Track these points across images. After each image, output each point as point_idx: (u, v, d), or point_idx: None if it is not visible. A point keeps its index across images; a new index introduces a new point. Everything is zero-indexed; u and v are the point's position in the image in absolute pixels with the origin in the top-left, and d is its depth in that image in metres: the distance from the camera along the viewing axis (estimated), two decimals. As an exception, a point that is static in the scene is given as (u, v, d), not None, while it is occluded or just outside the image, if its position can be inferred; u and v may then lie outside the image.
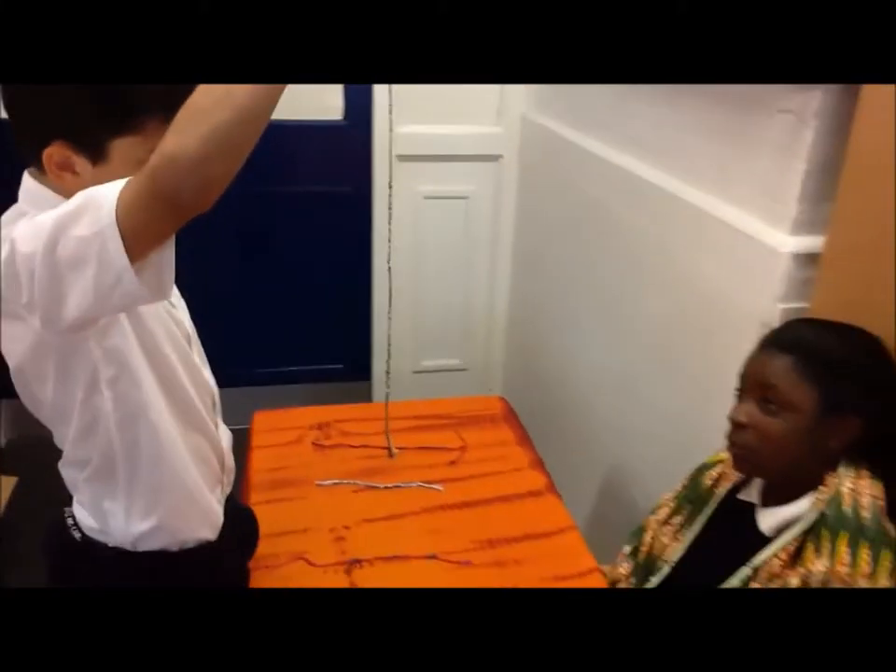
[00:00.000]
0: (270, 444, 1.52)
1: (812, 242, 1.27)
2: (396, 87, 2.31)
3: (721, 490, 1.19)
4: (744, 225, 1.38)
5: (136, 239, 0.73)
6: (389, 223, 1.43)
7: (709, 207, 1.47)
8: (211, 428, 1.06)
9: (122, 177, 0.77)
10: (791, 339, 1.09)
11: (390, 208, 1.39)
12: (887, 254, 1.10)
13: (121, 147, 0.85)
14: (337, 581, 1.20)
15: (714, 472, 1.23)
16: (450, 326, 2.79)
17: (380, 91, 2.37)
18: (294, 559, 1.24)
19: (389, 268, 1.60)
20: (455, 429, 1.61)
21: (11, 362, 0.89)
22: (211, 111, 0.69)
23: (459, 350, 2.82)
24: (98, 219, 0.73)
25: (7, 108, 0.88)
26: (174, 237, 0.77)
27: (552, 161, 2.33)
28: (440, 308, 2.76)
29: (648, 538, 1.27)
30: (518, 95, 2.51)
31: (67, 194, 0.84)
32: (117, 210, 0.72)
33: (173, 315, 1.00)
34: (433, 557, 1.26)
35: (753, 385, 1.07)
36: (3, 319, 0.84)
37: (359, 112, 2.46)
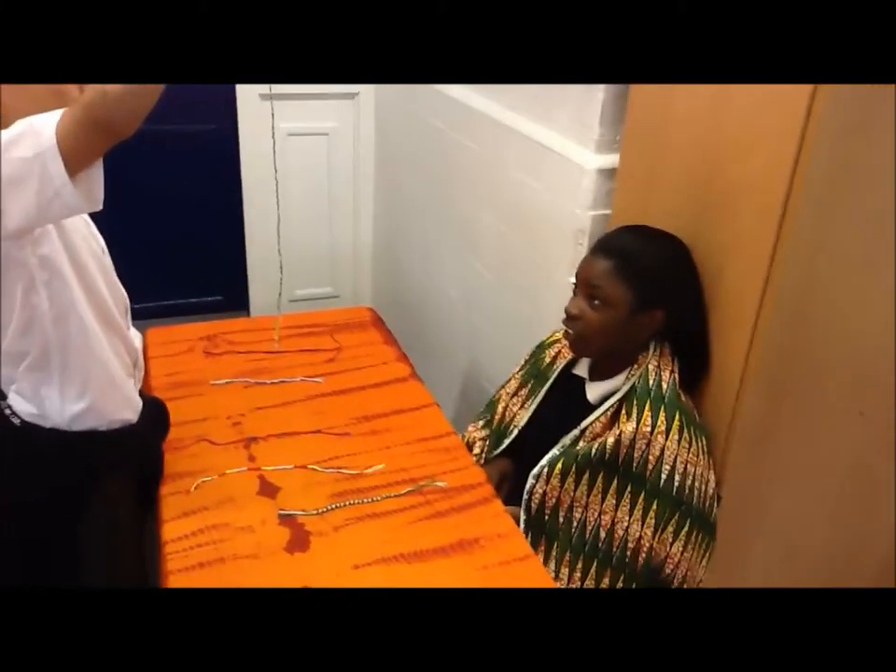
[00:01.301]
0: (164, 354, 1.70)
1: (612, 159, 1.56)
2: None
3: (558, 366, 1.46)
4: (559, 147, 1.66)
5: (73, 159, 0.91)
6: (275, 161, 1.59)
7: (532, 132, 1.74)
8: (124, 330, 1.25)
9: (31, 91, 0.95)
10: (613, 247, 1.31)
11: (275, 146, 1.55)
12: (661, 167, 1.40)
13: None
14: (238, 455, 1.43)
15: (552, 351, 1.49)
16: (320, 257, 2.97)
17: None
18: (198, 440, 1.45)
19: (277, 202, 1.76)
20: (330, 334, 1.84)
21: None
22: None
23: (330, 279, 3.01)
24: (39, 143, 0.90)
25: None
26: (101, 158, 0.95)
27: (403, 98, 2.53)
28: (309, 240, 2.93)
29: (500, 407, 1.54)
30: (370, 36, 2.68)
31: None
32: (56, 135, 0.90)
33: (90, 230, 1.18)
34: (318, 432, 1.50)
35: (583, 283, 1.31)
36: None
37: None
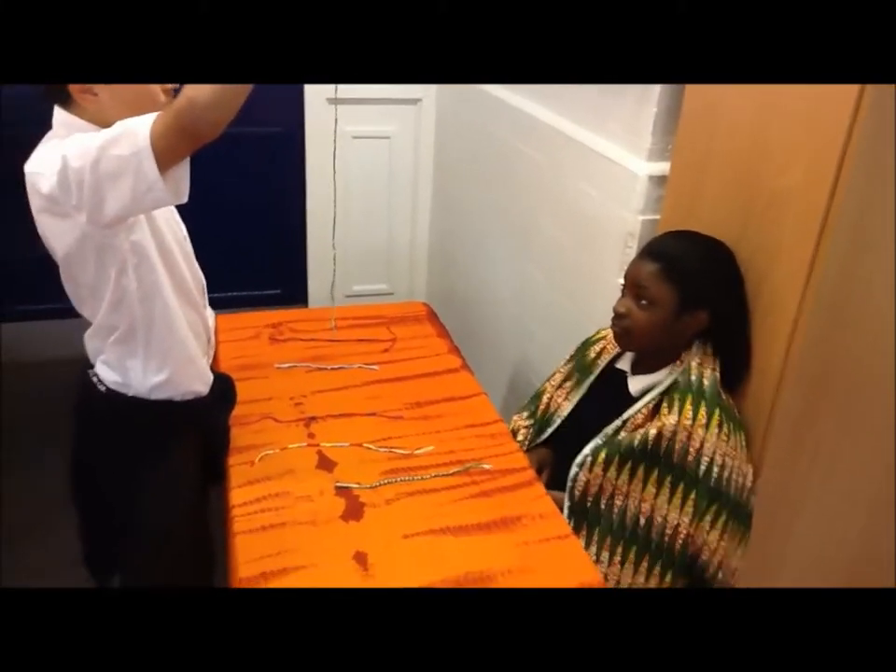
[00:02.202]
0: (232, 339, 1.82)
1: (662, 167, 1.63)
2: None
3: (602, 361, 1.53)
4: (613, 155, 1.73)
5: (163, 158, 1.03)
6: (334, 161, 1.71)
7: (588, 141, 1.82)
8: (202, 308, 1.37)
9: (130, 89, 1.09)
10: (660, 250, 1.38)
11: (335, 149, 1.66)
12: (707, 175, 1.47)
13: None
14: (298, 433, 1.53)
15: (597, 347, 1.57)
16: (377, 255, 3.08)
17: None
18: (263, 418, 1.56)
19: (335, 201, 1.88)
20: (386, 326, 1.94)
21: (60, 251, 1.17)
22: None
23: (386, 276, 3.12)
24: (135, 143, 1.02)
25: None
26: (189, 157, 1.07)
27: (464, 104, 2.63)
28: (368, 238, 3.04)
29: (545, 398, 1.62)
30: (434, 45, 2.79)
31: (89, 116, 1.14)
32: (150, 137, 1.01)
33: (175, 218, 1.30)
34: (373, 414, 1.60)
35: (631, 285, 1.38)
36: (55, 217, 1.12)
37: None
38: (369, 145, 2.87)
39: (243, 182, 2.84)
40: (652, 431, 1.32)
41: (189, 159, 1.08)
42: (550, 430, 1.56)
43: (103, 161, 1.03)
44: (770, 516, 1.43)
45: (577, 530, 1.38)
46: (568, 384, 1.58)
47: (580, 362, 1.59)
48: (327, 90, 2.71)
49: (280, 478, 1.41)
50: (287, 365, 1.75)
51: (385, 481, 1.41)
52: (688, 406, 1.32)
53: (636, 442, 1.33)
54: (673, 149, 1.58)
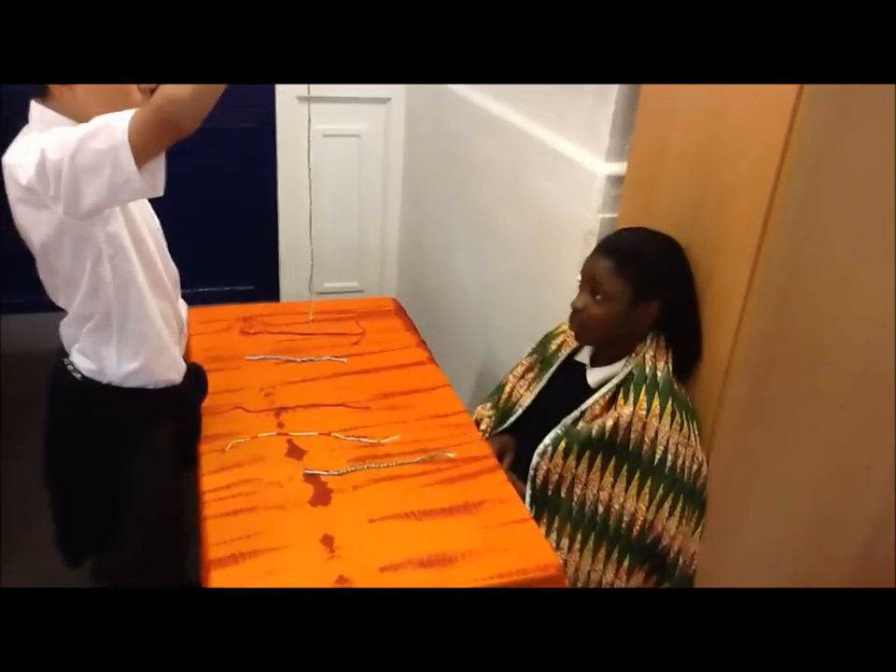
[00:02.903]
0: (204, 332, 1.86)
1: (620, 167, 1.70)
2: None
3: (563, 354, 1.58)
4: (573, 154, 1.79)
5: (141, 152, 1.07)
6: (309, 161, 1.75)
7: (548, 140, 1.88)
8: (174, 299, 1.41)
9: (101, 88, 1.13)
10: (613, 247, 1.44)
11: (309, 146, 1.70)
12: (662, 174, 1.54)
13: None
14: (268, 422, 1.58)
15: (558, 340, 1.62)
16: (348, 252, 3.12)
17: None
18: (234, 408, 1.60)
19: (311, 199, 1.93)
20: (355, 320, 1.99)
21: (37, 241, 1.20)
22: None
23: (357, 273, 3.16)
24: (113, 137, 1.06)
25: None
26: (164, 151, 1.11)
27: (432, 104, 2.68)
28: (338, 236, 3.08)
29: (507, 388, 1.67)
30: (404, 45, 2.84)
31: (66, 110, 1.17)
32: (128, 131, 1.05)
33: (149, 211, 1.34)
34: (341, 405, 1.65)
35: (587, 280, 1.44)
36: (33, 208, 1.16)
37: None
38: (339, 143, 2.91)
39: (215, 178, 2.86)
40: (609, 422, 1.38)
41: (164, 153, 1.12)
42: (511, 420, 1.61)
43: (81, 153, 1.07)
44: (721, 500, 1.50)
45: (538, 518, 1.44)
46: (530, 375, 1.64)
47: (541, 355, 1.65)
48: (297, 87, 2.75)
49: (250, 465, 1.45)
50: (257, 357, 1.79)
51: (353, 468, 1.46)
52: (643, 397, 1.38)
53: (593, 432, 1.39)
54: (629, 149, 1.65)
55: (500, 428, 1.62)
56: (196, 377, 1.49)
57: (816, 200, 1.28)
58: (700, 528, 1.44)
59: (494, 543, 1.32)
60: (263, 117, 2.80)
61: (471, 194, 2.38)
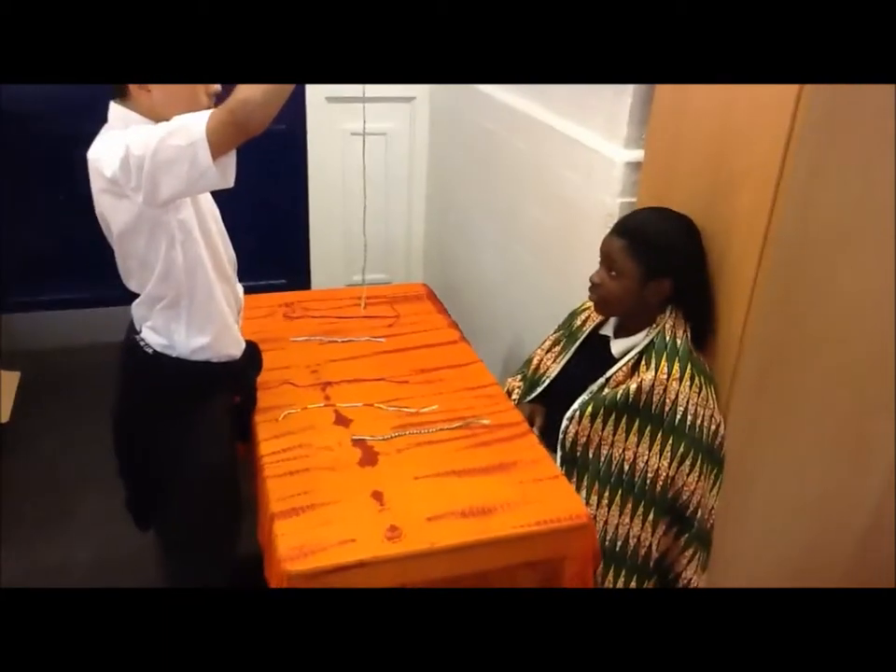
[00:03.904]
0: (250, 317, 1.96)
1: (637, 154, 1.82)
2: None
3: (588, 328, 1.71)
4: (593, 143, 1.92)
5: (216, 149, 1.20)
6: (364, 155, 1.88)
7: (569, 131, 2.01)
8: (234, 282, 1.55)
9: (180, 89, 1.27)
10: (627, 227, 1.56)
11: (364, 142, 1.83)
12: (678, 160, 1.65)
13: None
14: (316, 395, 1.71)
15: (583, 316, 1.74)
16: (376, 246, 3.24)
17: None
18: (283, 383, 1.73)
19: (365, 195, 2.07)
20: (390, 304, 2.12)
21: (116, 228, 1.34)
22: None
23: (384, 266, 3.29)
24: (191, 135, 1.19)
25: None
26: (235, 148, 1.24)
27: (455, 102, 2.81)
28: (367, 230, 3.20)
29: (535, 361, 1.80)
30: (427, 46, 2.96)
31: (142, 110, 1.31)
32: (205, 130, 1.19)
33: (212, 202, 1.47)
34: (382, 379, 1.78)
35: (603, 257, 1.56)
36: (115, 198, 1.30)
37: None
38: (367, 141, 3.02)
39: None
40: (633, 386, 1.50)
41: (236, 149, 1.25)
42: (539, 389, 1.73)
43: (162, 149, 1.20)
44: (735, 469, 1.60)
45: (568, 477, 1.56)
46: (557, 348, 1.76)
47: (567, 330, 1.77)
48: (326, 89, 2.89)
49: (302, 432, 1.58)
50: (301, 338, 1.93)
51: (396, 433, 1.59)
52: (663, 363, 1.50)
53: (618, 396, 1.50)
54: (646, 137, 1.77)
55: (529, 398, 1.75)
56: (252, 353, 1.63)
57: (819, 183, 1.39)
58: (718, 485, 1.55)
59: (528, 496, 1.44)
60: (294, 118, 2.93)
61: (495, 186, 2.51)
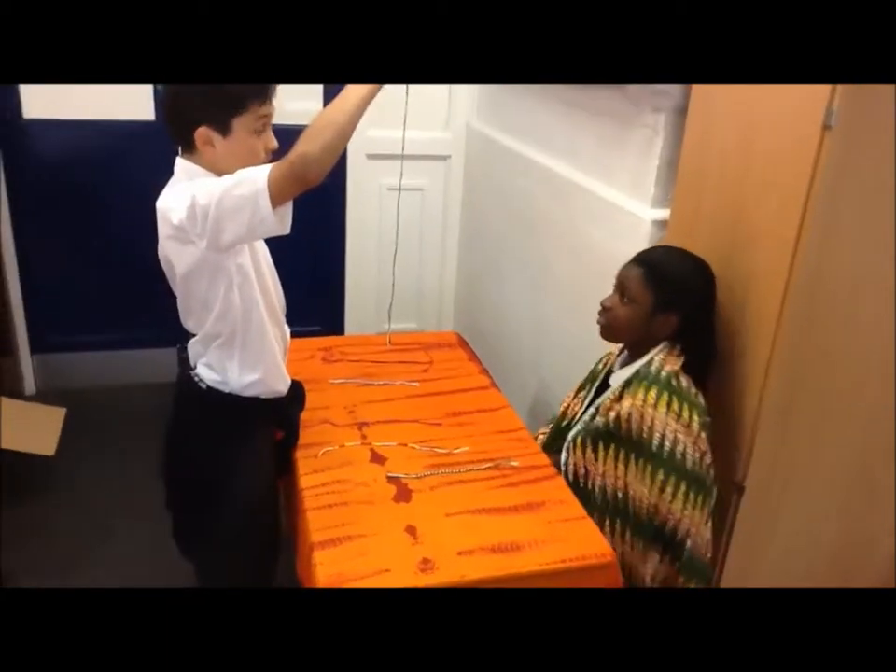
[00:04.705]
0: (291, 360, 2.06)
1: (664, 213, 1.92)
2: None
3: (605, 369, 1.78)
4: (621, 202, 2.02)
5: (276, 198, 1.30)
6: (398, 208, 2.00)
7: (598, 190, 2.11)
8: (283, 324, 1.65)
9: (241, 146, 1.38)
10: (646, 258, 1.64)
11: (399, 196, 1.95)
12: (700, 218, 1.75)
13: (239, 123, 1.41)
14: (353, 434, 1.79)
15: (604, 360, 1.83)
16: (408, 296, 3.37)
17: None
18: (322, 422, 1.82)
19: (396, 249, 2.19)
20: (423, 350, 2.22)
21: (180, 271, 1.45)
22: (325, 129, 1.29)
23: (416, 315, 3.40)
24: (254, 186, 1.30)
25: (168, 110, 1.44)
26: (294, 198, 1.35)
27: (489, 160, 2.95)
28: (400, 281, 3.31)
29: (562, 407, 1.87)
30: (463, 106, 3.11)
31: (208, 164, 1.44)
32: (267, 181, 1.30)
33: (266, 248, 1.59)
34: (416, 421, 1.86)
35: (619, 284, 1.64)
36: (180, 243, 1.41)
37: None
38: (403, 196, 3.16)
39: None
40: (612, 414, 1.57)
41: (292, 200, 1.36)
42: (571, 434, 1.79)
43: (226, 198, 1.32)
44: (756, 509, 1.65)
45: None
46: (582, 393, 1.84)
47: (591, 374, 1.85)
48: (366, 146, 3.04)
49: (340, 468, 1.66)
50: (339, 381, 2.02)
51: (429, 472, 1.67)
52: (640, 390, 1.56)
53: (601, 424, 1.58)
54: (672, 198, 1.87)
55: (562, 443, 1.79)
56: (297, 391, 1.72)
57: (835, 236, 1.47)
58: (709, 514, 1.54)
59: (555, 535, 1.50)
60: (335, 173, 3.06)
61: (526, 242, 2.62)
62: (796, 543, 1.76)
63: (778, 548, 1.75)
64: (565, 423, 1.83)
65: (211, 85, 1.36)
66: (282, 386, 1.62)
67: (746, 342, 1.61)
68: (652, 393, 1.54)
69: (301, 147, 1.28)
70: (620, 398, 1.61)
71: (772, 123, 1.51)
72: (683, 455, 1.51)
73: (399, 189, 2.02)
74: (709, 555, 1.57)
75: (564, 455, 1.64)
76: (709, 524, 1.56)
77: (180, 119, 1.43)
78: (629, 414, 1.55)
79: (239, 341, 1.51)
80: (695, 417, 1.53)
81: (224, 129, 1.42)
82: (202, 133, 1.41)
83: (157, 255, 1.54)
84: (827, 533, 1.77)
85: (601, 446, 1.59)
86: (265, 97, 1.42)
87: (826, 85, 1.36)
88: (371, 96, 1.34)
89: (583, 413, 1.77)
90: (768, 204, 1.52)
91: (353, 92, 1.32)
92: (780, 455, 1.64)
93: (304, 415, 1.82)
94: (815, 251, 1.47)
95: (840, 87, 1.35)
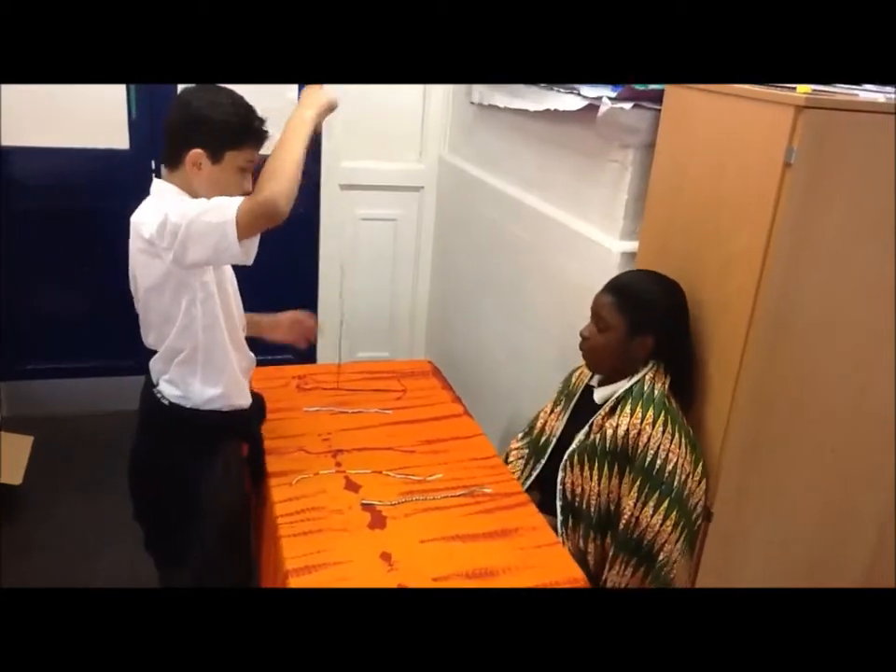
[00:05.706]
0: (266, 388, 2.09)
1: (632, 245, 1.97)
2: (338, 129, 2.90)
3: (581, 384, 1.82)
4: (591, 234, 2.07)
5: (243, 231, 1.36)
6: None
7: (569, 223, 2.17)
8: (243, 342, 1.67)
9: (225, 176, 1.43)
10: (616, 284, 1.69)
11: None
12: (668, 251, 1.80)
13: (231, 156, 1.47)
14: (327, 462, 1.80)
15: (577, 373, 1.86)
16: (379, 325, 3.40)
17: (327, 132, 2.97)
18: (297, 450, 1.83)
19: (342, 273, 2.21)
20: (397, 379, 2.24)
21: (144, 284, 1.49)
22: (285, 168, 1.36)
23: (388, 344, 3.42)
24: (224, 215, 1.35)
25: (174, 120, 1.47)
26: (260, 232, 1.39)
27: (461, 192, 3.00)
28: (371, 310, 3.36)
29: (540, 422, 1.89)
30: (436, 138, 3.17)
31: (186, 187, 1.48)
32: (236, 214, 1.35)
33: (231, 271, 1.62)
34: (390, 448, 1.88)
35: (593, 313, 1.69)
36: (148, 256, 1.45)
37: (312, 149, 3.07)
38: (376, 226, 3.22)
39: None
40: (609, 431, 1.60)
41: (259, 234, 1.40)
42: (549, 450, 1.81)
43: (197, 222, 1.36)
44: (725, 536, 1.69)
45: (571, 527, 1.65)
46: (558, 409, 1.87)
47: (565, 388, 1.88)
48: (340, 177, 3.08)
49: (314, 496, 1.67)
50: (314, 408, 2.03)
51: (404, 499, 1.68)
52: (638, 409, 1.59)
53: (597, 441, 1.61)
54: (640, 230, 1.92)
55: (542, 460, 1.82)
56: (258, 404, 1.76)
57: (800, 268, 1.52)
58: (684, 537, 1.57)
59: (528, 561, 1.52)
60: (310, 203, 3.11)
61: (498, 271, 2.66)
62: (767, 568, 1.80)
63: (750, 573, 1.78)
64: (544, 438, 1.85)
65: (221, 113, 1.44)
66: (243, 401, 1.66)
67: (713, 371, 1.66)
68: (651, 413, 1.58)
69: (269, 187, 1.35)
70: (611, 413, 1.64)
71: (737, 160, 1.57)
72: (672, 473, 1.54)
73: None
74: (673, 575, 1.58)
75: (560, 473, 1.66)
76: (680, 546, 1.57)
77: (181, 134, 1.47)
78: (626, 432, 1.58)
79: (202, 356, 1.54)
80: (685, 438, 1.58)
81: (216, 157, 1.47)
82: (195, 154, 1.46)
83: (128, 284, 1.58)
84: (799, 558, 1.81)
85: (596, 464, 1.61)
86: (260, 142, 1.50)
87: (786, 125, 1.42)
88: (319, 123, 1.46)
89: (566, 428, 1.79)
90: (736, 239, 1.58)
91: (303, 123, 1.42)
92: (749, 481, 1.68)
93: (280, 443, 1.83)
94: (780, 281, 1.52)
95: (800, 126, 1.41)
